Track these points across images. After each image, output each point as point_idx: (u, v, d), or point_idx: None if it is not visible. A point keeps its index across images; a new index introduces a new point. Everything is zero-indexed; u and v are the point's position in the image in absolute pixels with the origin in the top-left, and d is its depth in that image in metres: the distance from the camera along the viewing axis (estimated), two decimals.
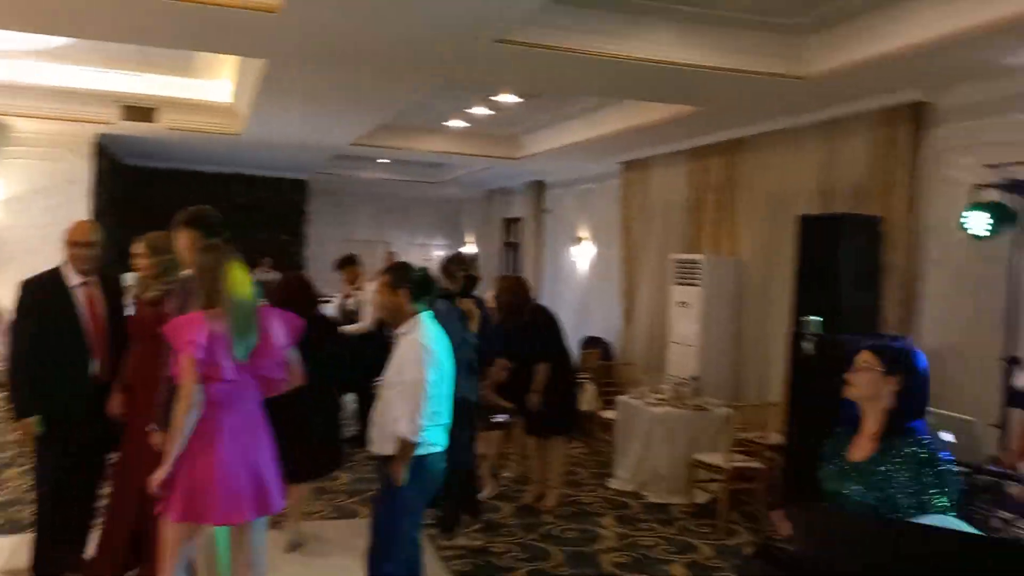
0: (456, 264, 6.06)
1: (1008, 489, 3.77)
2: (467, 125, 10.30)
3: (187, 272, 3.85)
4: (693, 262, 8.38)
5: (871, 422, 2.62)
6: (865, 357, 2.65)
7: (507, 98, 8.50)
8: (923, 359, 2.65)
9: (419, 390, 3.78)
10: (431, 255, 17.68)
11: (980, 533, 2.18)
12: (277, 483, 3.60)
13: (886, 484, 2.46)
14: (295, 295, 5.83)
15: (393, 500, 3.88)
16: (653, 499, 6.75)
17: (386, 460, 3.87)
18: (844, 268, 6.00)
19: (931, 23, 5.01)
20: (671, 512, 6.51)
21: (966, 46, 4.96)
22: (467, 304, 5.85)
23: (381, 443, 3.90)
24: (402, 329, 3.98)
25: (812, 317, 5.67)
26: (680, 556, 5.59)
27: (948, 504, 2.40)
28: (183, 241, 3.97)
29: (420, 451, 3.82)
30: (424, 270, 4.19)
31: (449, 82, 7.25)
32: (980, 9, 4.67)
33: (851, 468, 2.60)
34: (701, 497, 6.64)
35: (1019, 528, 3.45)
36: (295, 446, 4.21)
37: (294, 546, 5.31)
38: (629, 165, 10.39)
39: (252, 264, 10.22)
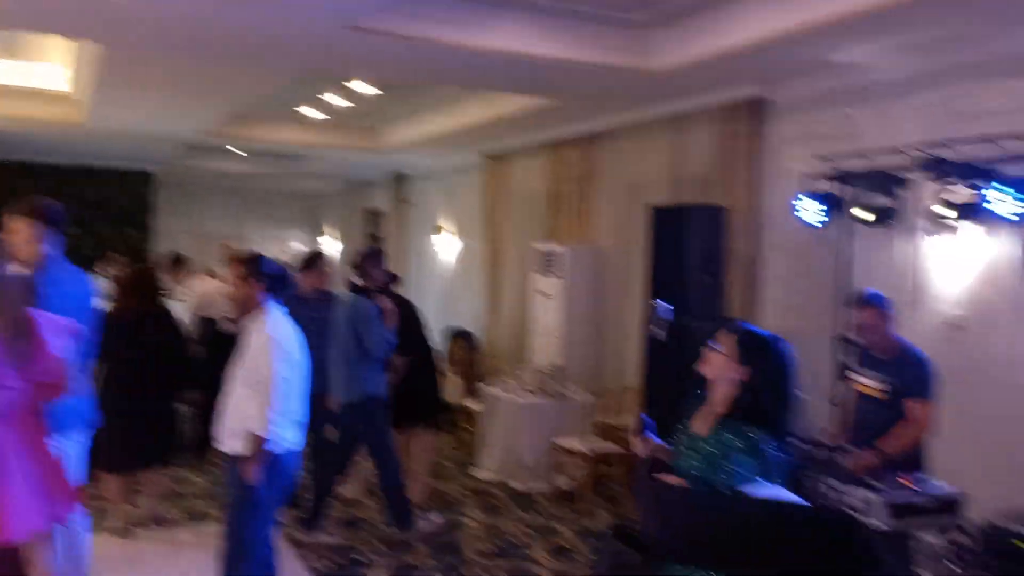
0: (373, 260, 5.87)
1: (836, 460, 4.04)
2: (324, 115, 10.07)
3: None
4: (554, 252, 8.53)
5: (717, 400, 2.72)
6: (724, 339, 2.72)
7: (364, 88, 8.37)
8: (784, 357, 2.69)
9: (271, 386, 3.68)
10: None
11: (806, 502, 2.32)
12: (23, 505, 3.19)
13: (717, 462, 2.57)
14: (137, 288, 5.67)
15: (245, 500, 3.76)
16: (517, 487, 6.85)
17: (236, 459, 3.74)
18: (692, 255, 6.27)
19: (765, 21, 5.28)
20: (534, 499, 6.62)
21: (797, 44, 5.26)
22: (385, 302, 5.72)
23: (231, 441, 3.77)
24: (252, 323, 3.86)
25: (662, 302, 5.88)
26: (542, 541, 5.69)
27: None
28: (21, 234, 3.69)
29: (273, 449, 3.72)
30: (280, 263, 4.09)
31: (303, 71, 7.07)
32: (808, 8, 4.96)
33: (690, 440, 2.71)
34: (564, 483, 6.80)
35: (848, 496, 3.70)
36: (112, 435, 4.28)
37: (125, 532, 5.34)
38: (491, 157, 10.46)
39: (98, 260, 9.73)
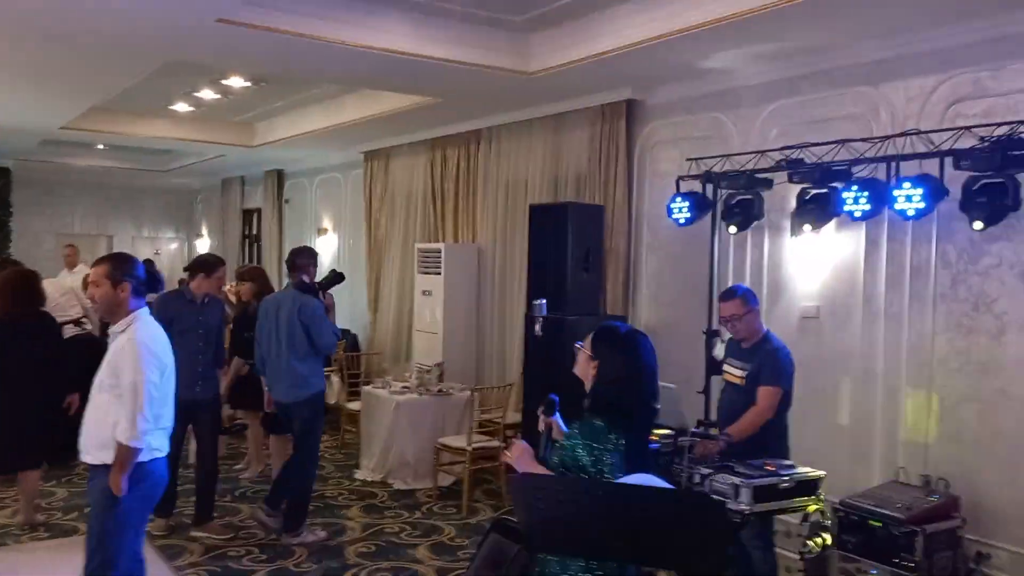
0: (307, 257, 5.84)
1: (705, 447, 4.21)
2: (195, 109, 9.72)
3: None
4: (435, 251, 8.53)
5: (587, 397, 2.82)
6: (586, 338, 2.85)
7: (237, 82, 8.13)
8: (637, 350, 2.79)
9: (140, 392, 3.53)
10: (161, 249, 16.58)
11: (672, 487, 2.43)
12: None
13: (571, 455, 2.67)
14: (17, 291, 5.70)
15: (112, 512, 3.59)
16: (399, 486, 6.82)
17: (101, 469, 3.58)
18: (571, 253, 6.40)
19: (638, 27, 5.46)
20: (417, 497, 6.61)
21: (667, 49, 5.46)
22: (329, 298, 5.79)
23: (96, 451, 3.60)
24: (118, 327, 3.69)
25: (541, 300, 5.98)
26: (425, 539, 5.70)
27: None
28: None
29: (142, 458, 3.58)
30: (148, 263, 3.93)
31: (169, 64, 6.80)
32: (678, 16, 5.16)
33: (559, 440, 2.82)
34: (446, 480, 6.82)
35: (715, 481, 3.87)
36: None
37: None
38: (371, 155, 10.36)
39: None
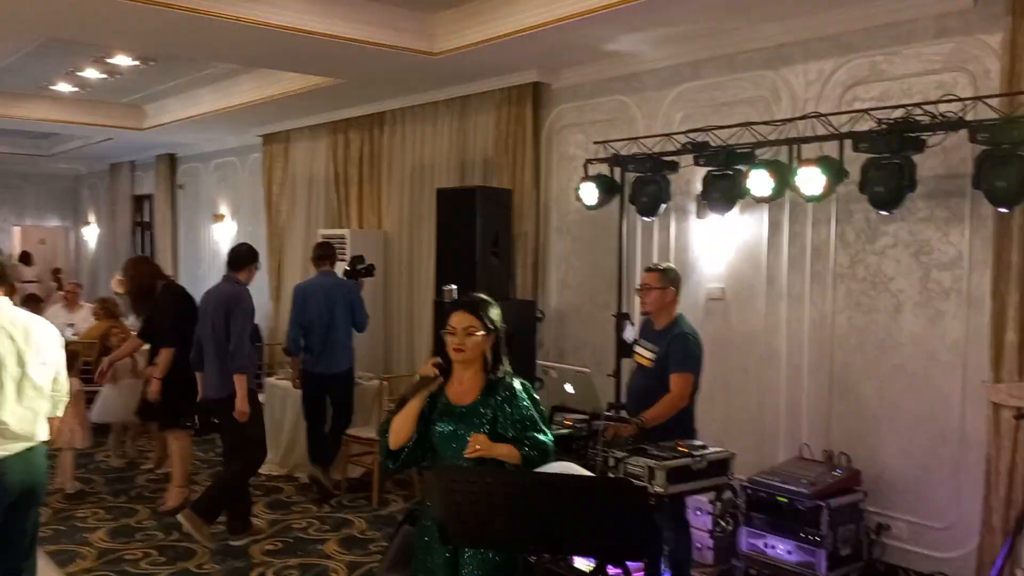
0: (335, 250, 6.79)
1: (617, 430, 4.21)
2: (79, 90, 9.17)
3: None
4: (339, 237, 8.30)
5: (471, 373, 2.82)
6: (468, 321, 2.80)
7: (123, 60, 7.69)
8: (498, 309, 2.91)
9: None
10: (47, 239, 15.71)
11: (588, 473, 2.39)
12: None
13: (489, 423, 2.72)
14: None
15: None
16: (307, 480, 6.61)
17: None
18: (479, 238, 6.31)
19: (541, 8, 5.39)
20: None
21: (570, 31, 5.41)
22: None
23: None
24: None
25: (450, 286, 5.87)
26: (334, 533, 5.54)
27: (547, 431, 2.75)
28: None
29: None
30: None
31: (50, 40, 6.37)
32: None
33: (456, 411, 2.79)
34: (356, 471, 6.65)
35: (630, 465, 3.87)
36: None
37: None
38: (270, 138, 10.00)
39: None
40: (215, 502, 5.32)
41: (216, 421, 5.64)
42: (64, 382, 3.69)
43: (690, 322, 4.50)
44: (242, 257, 5.62)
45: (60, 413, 3.71)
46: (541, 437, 2.71)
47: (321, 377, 6.36)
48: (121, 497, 6.24)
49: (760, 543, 4.60)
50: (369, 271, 6.76)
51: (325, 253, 6.65)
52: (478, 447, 2.61)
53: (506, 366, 2.87)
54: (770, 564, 4.58)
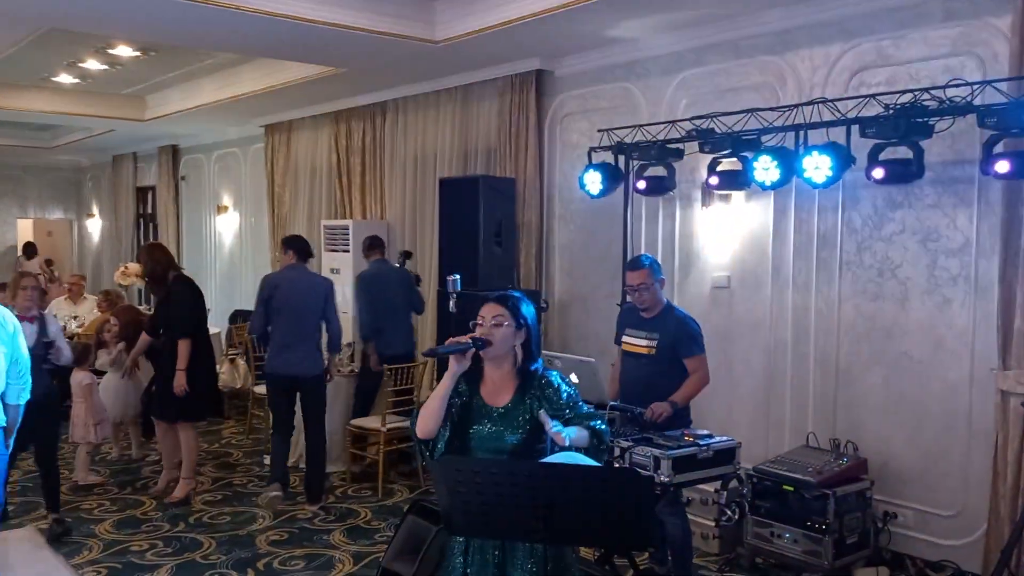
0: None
1: (624, 420, 4.19)
2: (80, 81, 9.13)
3: None
4: (343, 228, 8.28)
5: (504, 370, 2.69)
6: (497, 311, 2.68)
7: (125, 51, 7.65)
8: (532, 306, 2.79)
9: None
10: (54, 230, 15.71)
11: (593, 463, 2.35)
12: None
13: (528, 423, 2.60)
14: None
15: None
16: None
17: None
18: (483, 227, 6.28)
19: None
20: (330, 481, 6.42)
21: (573, 18, 5.37)
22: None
23: None
24: None
25: (454, 276, 5.83)
26: (339, 523, 5.53)
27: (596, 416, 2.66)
28: None
29: None
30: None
31: (51, 31, 6.33)
32: None
33: (495, 412, 2.66)
34: (360, 462, 6.64)
35: (635, 454, 3.85)
36: None
37: None
38: (272, 128, 9.96)
39: None
40: (322, 478, 5.99)
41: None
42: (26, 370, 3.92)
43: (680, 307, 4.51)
44: (310, 247, 6.22)
45: (22, 401, 3.94)
46: (591, 413, 2.65)
47: (393, 357, 6.52)
48: (127, 489, 6.24)
49: (766, 532, 4.58)
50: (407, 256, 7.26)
51: (379, 244, 7.00)
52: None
53: (540, 363, 2.75)
54: (776, 553, 4.56)
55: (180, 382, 5.70)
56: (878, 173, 4.26)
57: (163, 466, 6.27)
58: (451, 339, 2.64)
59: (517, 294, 2.77)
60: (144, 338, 6.26)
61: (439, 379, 2.71)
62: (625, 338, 4.49)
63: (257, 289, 6.04)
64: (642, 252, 5.90)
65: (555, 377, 2.70)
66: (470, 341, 2.61)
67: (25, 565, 4.79)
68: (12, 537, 5.19)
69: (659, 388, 4.18)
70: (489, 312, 2.68)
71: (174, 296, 5.86)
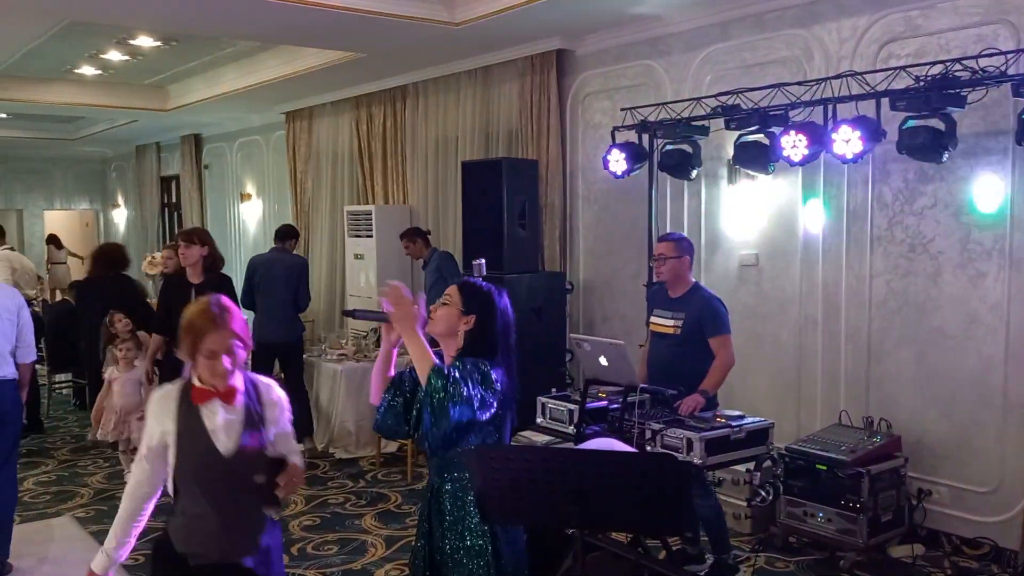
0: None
1: (654, 403, 4.17)
2: (102, 72, 9.18)
3: None
4: (366, 213, 8.29)
5: (450, 357, 2.64)
6: (449, 292, 2.68)
7: (146, 41, 7.67)
8: (504, 302, 2.70)
9: None
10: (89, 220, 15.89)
11: (628, 448, 2.34)
12: None
13: (445, 402, 2.43)
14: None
15: None
16: (341, 455, 6.66)
17: None
18: (506, 210, 6.25)
19: None
20: (360, 466, 6.47)
21: None
22: None
23: None
24: None
25: (480, 260, 5.82)
26: (371, 508, 5.57)
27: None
28: None
29: None
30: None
31: (74, 23, 6.36)
32: None
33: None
34: (389, 447, 6.68)
35: (667, 436, 3.83)
36: None
37: None
38: (293, 115, 9.97)
39: None
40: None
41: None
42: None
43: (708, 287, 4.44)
44: (292, 232, 7.31)
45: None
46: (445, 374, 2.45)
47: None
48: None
49: (799, 511, 4.55)
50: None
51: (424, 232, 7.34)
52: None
53: (491, 360, 2.59)
54: (809, 532, 4.54)
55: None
56: (909, 147, 4.17)
57: None
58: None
59: (487, 288, 2.69)
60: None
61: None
62: (653, 318, 4.46)
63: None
64: (668, 231, 5.86)
65: (469, 361, 2.55)
66: (383, 311, 2.58)
67: (65, 553, 4.87)
68: (51, 525, 5.28)
69: (684, 368, 4.14)
70: (447, 291, 2.70)
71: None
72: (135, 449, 5.38)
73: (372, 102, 8.66)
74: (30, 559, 4.85)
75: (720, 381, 4.18)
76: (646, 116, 5.57)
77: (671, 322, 4.30)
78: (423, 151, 8.10)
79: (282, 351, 6.71)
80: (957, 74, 4.05)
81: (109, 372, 5.87)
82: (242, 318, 2.57)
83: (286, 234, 7.23)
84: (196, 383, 2.53)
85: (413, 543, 2.84)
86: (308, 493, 5.87)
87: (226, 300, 2.56)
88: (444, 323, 2.63)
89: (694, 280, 4.45)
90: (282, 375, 6.80)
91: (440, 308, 2.64)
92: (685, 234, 5.16)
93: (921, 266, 4.73)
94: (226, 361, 2.46)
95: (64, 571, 4.66)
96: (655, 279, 4.47)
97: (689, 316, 4.25)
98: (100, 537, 5.06)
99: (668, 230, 5.87)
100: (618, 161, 5.59)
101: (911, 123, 4.12)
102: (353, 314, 2.87)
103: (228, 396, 2.51)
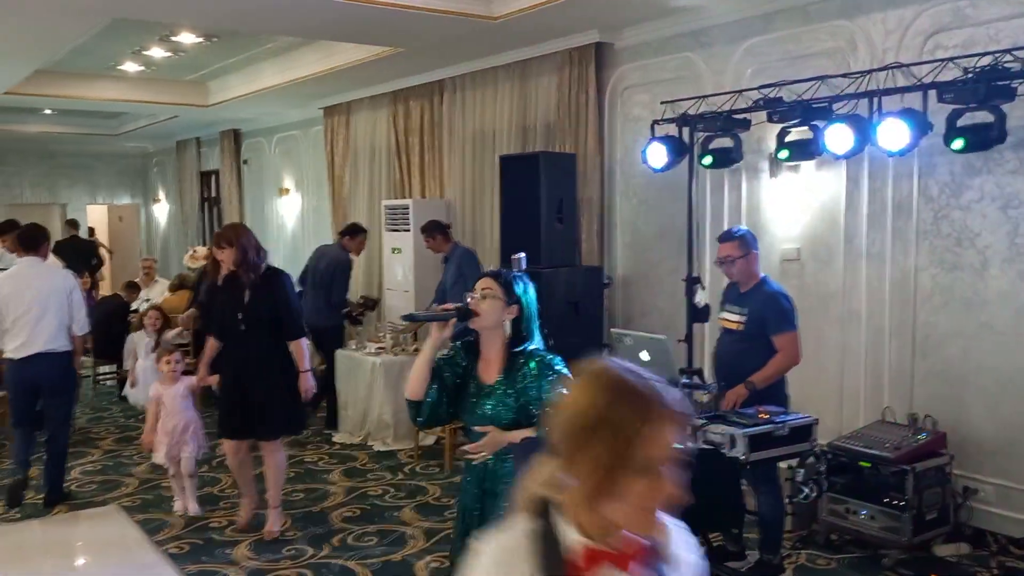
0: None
1: (697, 398, 4.14)
2: (144, 69, 9.32)
3: None
4: (403, 207, 8.33)
5: (494, 346, 2.70)
6: (487, 284, 2.70)
7: (187, 38, 7.77)
8: (532, 288, 2.77)
9: None
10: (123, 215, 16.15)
11: None
12: None
13: (514, 399, 2.63)
14: None
15: None
16: (380, 448, 6.72)
17: None
18: (544, 204, 6.25)
19: None
20: (399, 458, 6.52)
21: None
22: None
23: None
24: None
25: (519, 254, 5.83)
26: (410, 500, 5.61)
27: None
28: None
29: None
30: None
31: (117, 21, 6.46)
32: None
33: (484, 389, 2.69)
34: (427, 439, 6.72)
35: (709, 432, 3.81)
36: None
37: None
38: (331, 110, 10.05)
39: None
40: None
41: None
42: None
43: (776, 282, 4.35)
44: (352, 229, 7.78)
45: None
46: None
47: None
48: (203, 467, 6.39)
49: (841, 508, 4.51)
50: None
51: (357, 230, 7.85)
52: (483, 444, 2.61)
53: (536, 344, 2.72)
54: (852, 529, 4.49)
55: (308, 385, 4.89)
56: (957, 141, 4.09)
57: (242, 494, 5.20)
58: (439, 307, 2.72)
59: (518, 274, 2.76)
60: (212, 343, 5.00)
61: None
62: (722, 312, 4.40)
63: None
64: (708, 226, 5.82)
65: (551, 362, 2.65)
66: (454, 310, 2.64)
67: (110, 544, 4.97)
68: (96, 515, 5.38)
69: (745, 365, 4.09)
70: (480, 284, 2.71)
71: (279, 290, 4.82)
72: (192, 475, 5.30)
73: (410, 97, 8.69)
74: (79, 547, 4.97)
75: (772, 376, 4.08)
76: (686, 109, 5.53)
77: (736, 317, 4.24)
78: (460, 145, 8.12)
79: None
80: (1007, 65, 3.97)
81: (153, 388, 5.46)
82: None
83: (346, 230, 7.82)
84: (586, 538, 1.32)
85: (453, 534, 2.86)
86: (347, 485, 5.93)
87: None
88: (494, 316, 2.65)
89: (762, 275, 4.34)
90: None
91: (485, 302, 2.65)
92: (721, 229, 5.10)
93: (968, 260, 4.65)
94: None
95: (113, 559, 4.75)
96: (729, 279, 4.38)
97: (752, 312, 4.17)
98: (146, 526, 5.18)
99: (709, 225, 5.84)
100: (658, 155, 5.56)
101: (960, 117, 4.04)
102: (413, 318, 2.91)
103: (646, 556, 1.35)
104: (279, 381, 4.80)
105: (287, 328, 4.81)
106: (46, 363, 5.33)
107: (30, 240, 5.50)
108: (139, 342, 6.78)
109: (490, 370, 2.70)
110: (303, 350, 4.89)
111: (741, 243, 4.23)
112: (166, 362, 5.42)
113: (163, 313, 7.87)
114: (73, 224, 13.07)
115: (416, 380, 2.71)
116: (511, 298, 2.66)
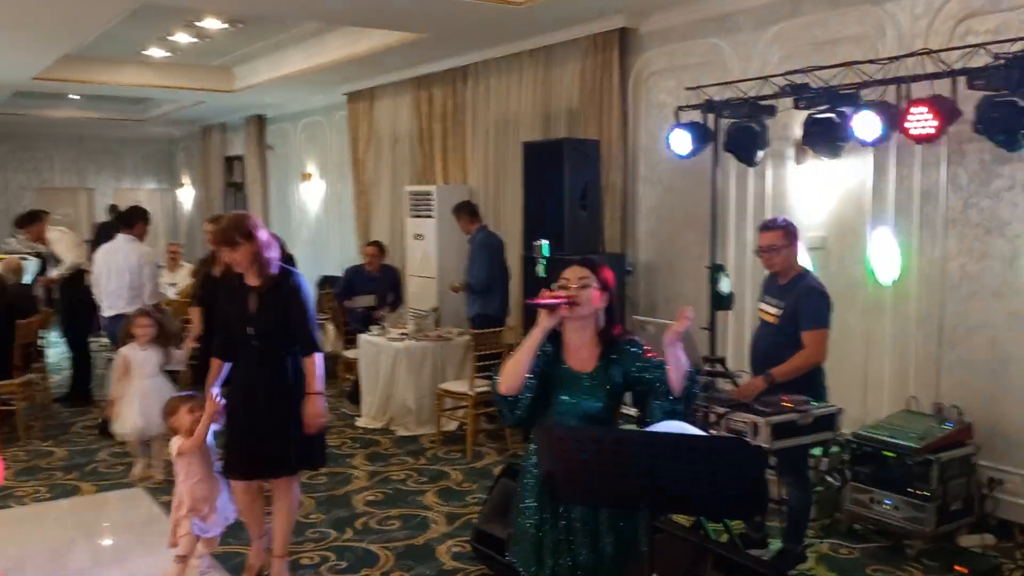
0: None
1: (720, 386, 4.13)
2: (170, 55, 9.39)
3: None
4: (426, 193, 8.35)
5: (588, 336, 2.68)
6: (583, 273, 2.66)
7: (213, 23, 7.81)
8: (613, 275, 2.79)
9: None
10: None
11: (699, 432, 2.33)
12: None
13: (615, 387, 2.62)
14: None
15: None
16: (403, 433, 6.76)
17: None
18: (567, 190, 6.24)
19: None
20: (421, 443, 6.56)
21: None
22: None
23: None
24: None
25: (542, 241, 5.83)
26: (432, 485, 5.65)
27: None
28: None
29: None
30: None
31: (144, 6, 6.50)
32: None
33: (582, 378, 2.65)
34: (449, 425, 6.76)
35: (733, 420, 3.80)
36: None
37: None
38: (355, 96, 10.07)
39: None
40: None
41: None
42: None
43: (815, 276, 4.24)
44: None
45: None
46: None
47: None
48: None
49: (865, 498, 4.49)
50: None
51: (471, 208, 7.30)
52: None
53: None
54: (875, 519, 4.47)
55: (318, 411, 3.87)
56: (987, 127, 4.03)
57: (251, 537, 4.26)
58: (546, 292, 2.61)
59: (597, 259, 2.77)
60: (216, 363, 3.99)
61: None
62: (761, 304, 4.31)
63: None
64: (732, 213, 5.79)
65: (637, 340, 2.72)
66: (565, 298, 2.58)
67: (136, 526, 5.05)
68: (122, 497, 5.46)
69: (782, 358, 3.99)
70: (575, 274, 2.66)
71: (293, 297, 3.91)
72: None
73: (433, 83, 8.69)
74: (108, 527, 5.05)
75: (793, 372, 3.97)
76: (711, 95, 5.49)
77: (774, 310, 4.15)
78: (484, 131, 8.11)
79: None
80: None
81: (124, 352, 5.50)
82: None
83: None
84: None
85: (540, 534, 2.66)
86: (371, 469, 5.98)
87: None
88: (594, 305, 2.64)
89: (802, 267, 4.24)
90: None
91: (585, 291, 2.62)
92: (746, 216, 5.06)
93: (997, 249, 4.59)
94: None
95: (141, 539, 4.83)
96: (766, 271, 4.27)
97: (789, 305, 4.08)
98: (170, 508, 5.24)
99: (733, 213, 5.80)
100: (682, 141, 5.53)
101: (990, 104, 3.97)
102: (535, 304, 2.64)
103: None
104: (295, 406, 3.86)
105: (302, 341, 3.89)
106: (124, 322, 5.93)
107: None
108: (132, 358, 5.49)
109: (584, 360, 2.65)
110: (316, 368, 3.88)
111: (785, 233, 4.11)
112: (138, 326, 5.57)
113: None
114: (114, 210, 13.23)
115: (518, 372, 2.55)
116: (604, 286, 2.67)
